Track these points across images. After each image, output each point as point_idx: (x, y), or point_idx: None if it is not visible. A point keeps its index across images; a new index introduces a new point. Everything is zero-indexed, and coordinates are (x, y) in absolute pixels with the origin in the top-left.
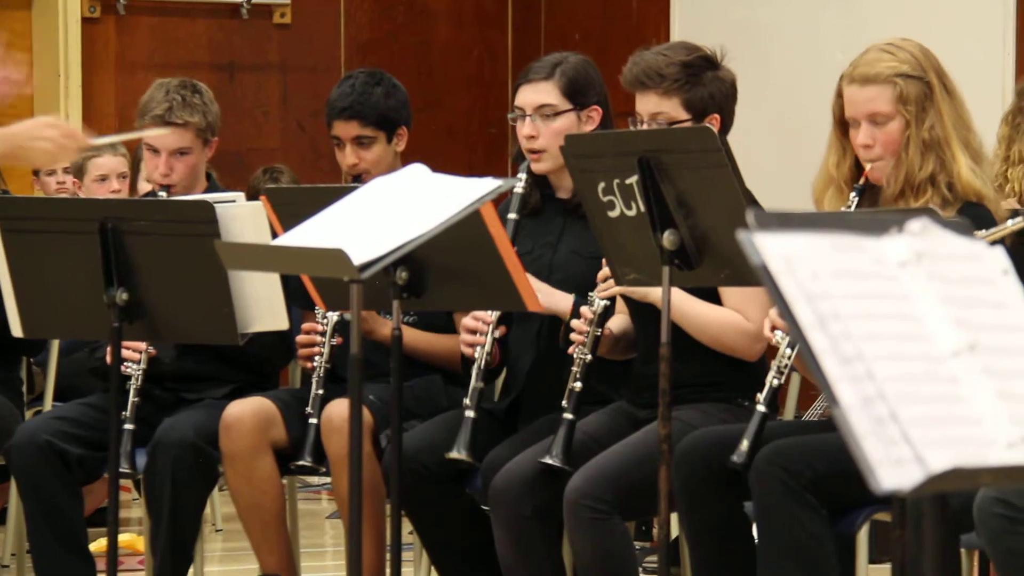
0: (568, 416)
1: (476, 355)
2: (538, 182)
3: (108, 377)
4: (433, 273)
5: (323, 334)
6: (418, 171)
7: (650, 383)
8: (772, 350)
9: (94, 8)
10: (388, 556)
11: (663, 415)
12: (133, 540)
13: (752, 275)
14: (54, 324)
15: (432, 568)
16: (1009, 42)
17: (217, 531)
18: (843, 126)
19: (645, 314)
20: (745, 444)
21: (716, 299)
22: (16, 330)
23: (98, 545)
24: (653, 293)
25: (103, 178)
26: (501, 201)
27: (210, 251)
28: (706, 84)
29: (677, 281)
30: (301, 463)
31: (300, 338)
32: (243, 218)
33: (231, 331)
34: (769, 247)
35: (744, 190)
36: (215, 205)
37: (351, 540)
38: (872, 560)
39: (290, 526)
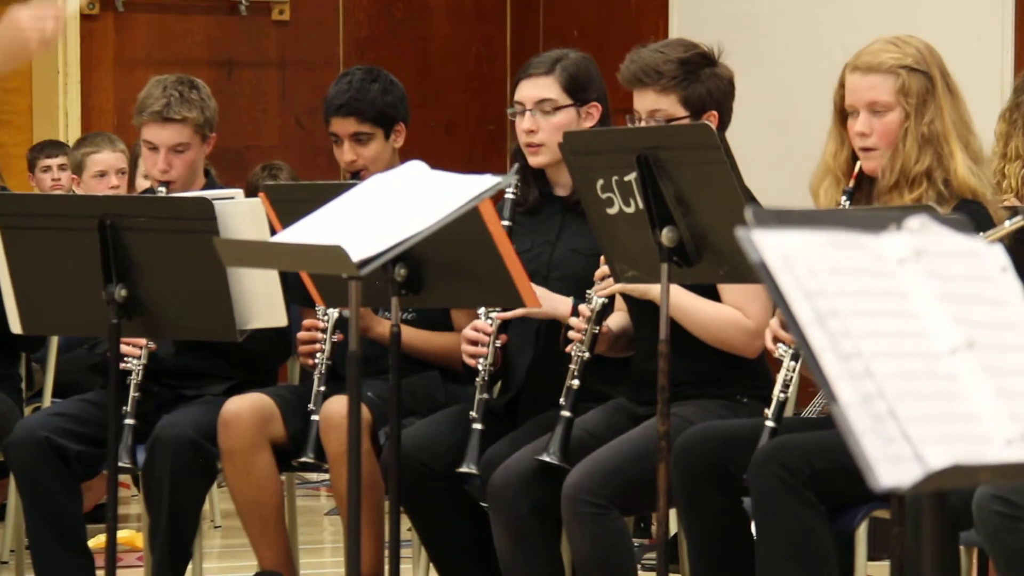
0: (566, 414)
1: (479, 366)
2: (536, 180)
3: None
4: (432, 270)
5: (324, 331)
6: (416, 168)
7: (649, 380)
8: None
9: (93, 5)
10: (387, 553)
11: (662, 412)
12: (132, 536)
13: (751, 272)
14: (53, 321)
15: (431, 565)
16: (1008, 39)
17: (216, 527)
18: (843, 116)
19: (644, 311)
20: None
21: (715, 296)
22: (15, 327)
23: (97, 541)
24: (652, 290)
25: (102, 174)
26: (499, 198)
27: (209, 248)
28: (704, 81)
29: (676, 278)
30: (303, 459)
31: (301, 335)
32: (242, 215)
33: (230, 328)
34: (768, 244)
35: (743, 187)
36: (214, 202)
37: (350, 537)
38: (871, 557)
39: (289, 522)
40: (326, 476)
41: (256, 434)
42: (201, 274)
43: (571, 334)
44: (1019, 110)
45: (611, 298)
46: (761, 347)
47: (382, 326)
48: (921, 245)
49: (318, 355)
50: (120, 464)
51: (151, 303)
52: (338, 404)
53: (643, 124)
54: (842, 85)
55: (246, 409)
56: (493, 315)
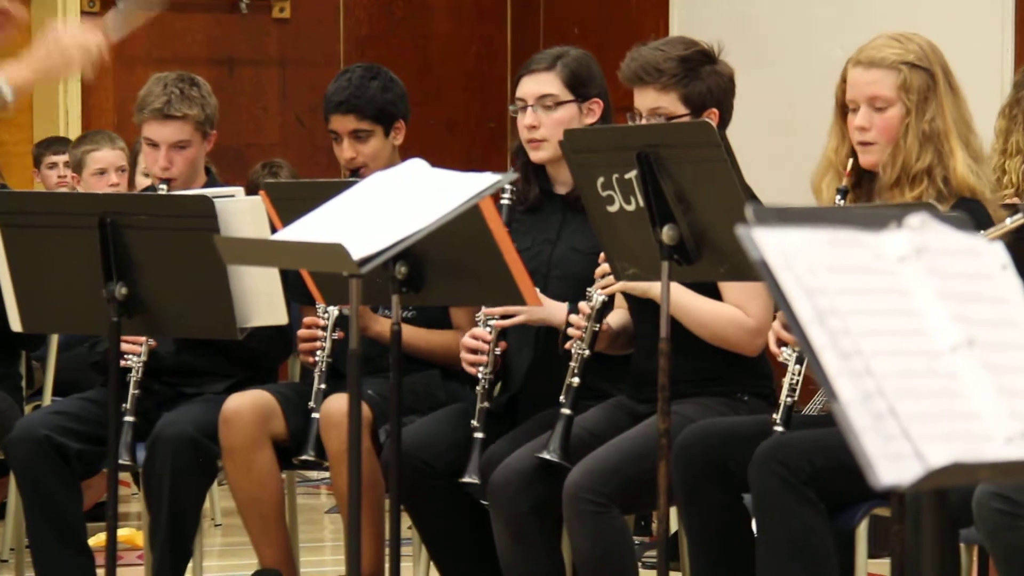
0: (566, 411)
1: (479, 374)
2: (537, 178)
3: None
4: (432, 268)
5: (324, 328)
6: (417, 166)
7: (649, 378)
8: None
9: (93, 2)
10: (387, 551)
11: (662, 410)
12: (132, 535)
13: (751, 270)
14: (53, 319)
15: (431, 563)
16: (1008, 36)
17: (216, 525)
18: (844, 111)
19: (644, 309)
20: None
21: (716, 294)
22: (15, 325)
23: (97, 540)
24: (653, 289)
25: (101, 172)
26: (499, 197)
27: (209, 246)
28: (704, 79)
29: (676, 276)
30: (304, 457)
31: (301, 332)
32: (242, 213)
33: (230, 325)
34: (768, 242)
35: (743, 185)
36: (214, 200)
37: (350, 535)
38: (871, 555)
39: (289, 521)
40: (326, 474)
41: (257, 432)
42: (202, 272)
43: (571, 331)
44: (1019, 105)
45: (611, 296)
46: (762, 345)
47: (380, 324)
48: (921, 243)
49: (318, 353)
50: (120, 462)
51: (151, 301)
52: (338, 402)
53: (644, 122)
54: (844, 80)
55: (247, 407)
56: (491, 323)
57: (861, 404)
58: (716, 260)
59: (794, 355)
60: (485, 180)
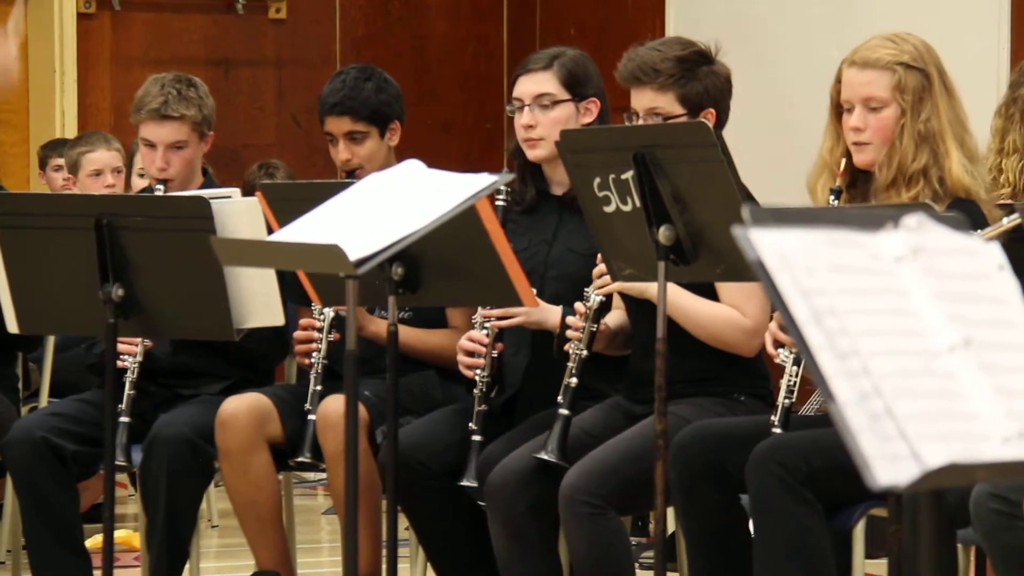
0: (564, 411)
1: (476, 377)
2: (533, 178)
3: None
4: (429, 269)
5: (321, 330)
6: (413, 166)
7: (646, 378)
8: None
9: (89, 3)
10: (384, 552)
11: (659, 410)
12: (129, 536)
13: (748, 270)
14: (50, 320)
15: (428, 564)
16: (1004, 36)
17: (213, 527)
18: (839, 111)
19: (642, 310)
20: None
21: (713, 295)
22: (12, 326)
23: (94, 541)
24: (650, 289)
25: (97, 173)
26: (496, 197)
27: (206, 247)
28: (701, 79)
29: (673, 277)
30: (300, 459)
31: (298, 334)
32: (239, 214)
33: (227, 327)
34: (764, 242)
35: (740, 185)
36: (210, 201)
37: (347, 536)
38: (868, 555)
39: (286, 522)
40: (323, 475)
41: (253, 433)
42: (198, 273)
43: (569, 332)
44: (1015, 105)
45: (609, 296)
46: (759, 346)
47: (375, 324)
48: (918, 243)
49: (314, 355)
50: (116, 463)
51: (148, 302)
52: (335, 403)
53: (640, 122)
54: (838, 80)
55: (243, 409)
56: (488, 325)
57: (858, 404)
58: (713, 260)
59: (791, 356)
60: (481, 181)
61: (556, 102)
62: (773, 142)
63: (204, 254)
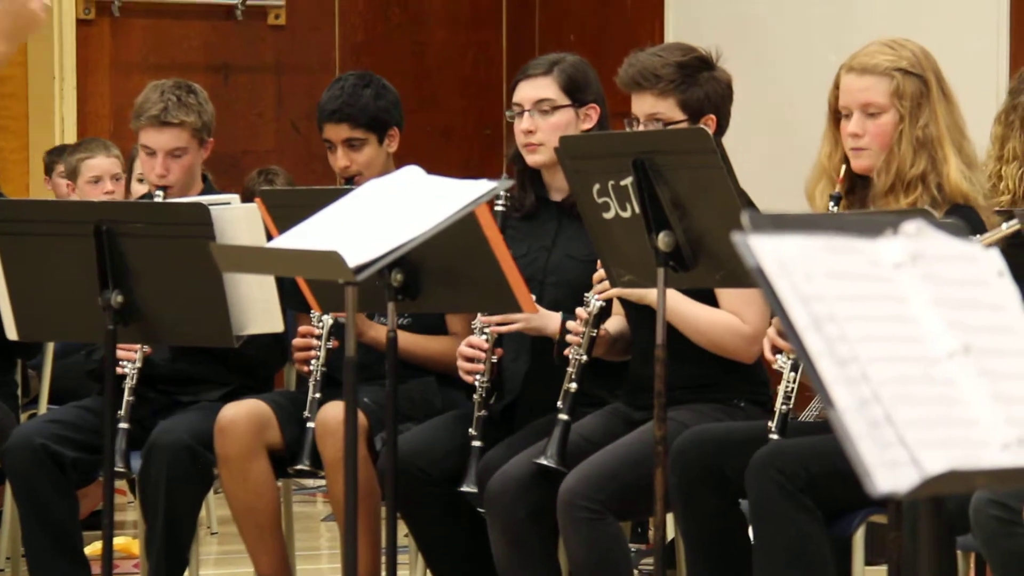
0: (563, 417)
1: (476, 383)
2: (532, 184)
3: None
4: (428, 275)
5: (319, 337)
6: (413, 173)
7: (646, 384)
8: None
9: (89, 10)
10: (384, 559)
11: (658, 416)
12: (128, 543)
13: (747, 277)
14: (49, 327)
15: (428, 571)
16: (1003, 42)
17: (212, 534)
18: (837, 117)
19: (641, 316)
20: None
21: (713, 301)
22: (11, 333)
23: (93, 548)
24: (650, 295)
25: (96, 179)
26: (495, 203)
27: (205, 253)
28: (702, 85)
29: (672, 283)
30: (299, 467)
31: (296, 341)
32: (238, 220)
33: (226, 333)
34: (764, 249)
35: (739, 191)
36: (210, 207)
37: (346, 543)
38: (868, 562)
39: (285, 529)
40: (323, 482)
41: (252, 440)
42: (197, 280)
43: (569, 338)
44: (1015, 112)
45: (609, 301)
46: (758, 352)
47: (375, 330)
48: (917, 249)
49: (312, 362)
50: (115, 469)
51: (147, 309)
52: (334, 410)
53: (641, 128)
54: (836, 86)
55: (242, 415)
56: (487, 331)
57: (857, 411)
58: (712, 267)
59: (789, 363)
60: (481, 187)
61: (556, 108)
62: (772, 146)
63: (203, 261)
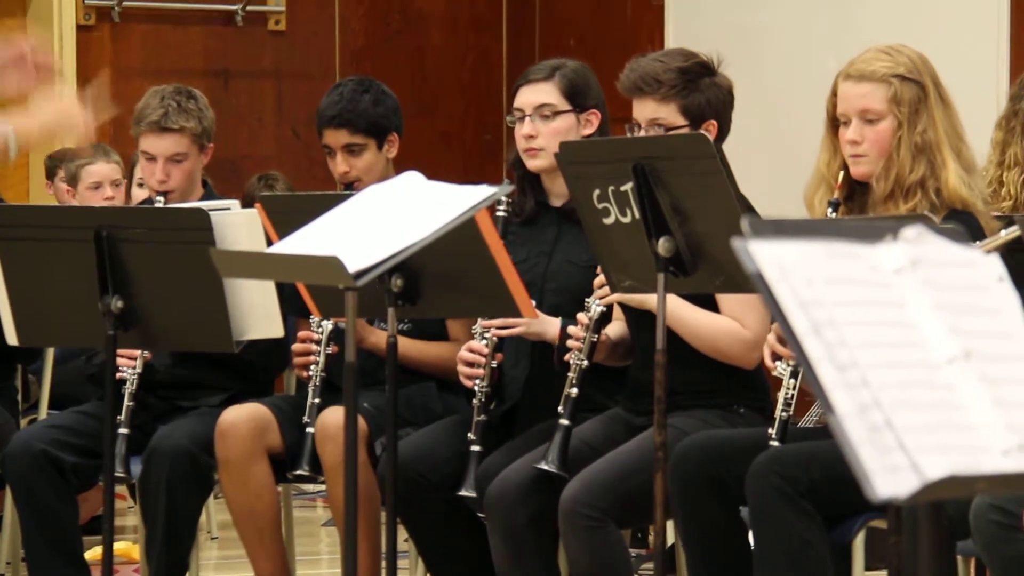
0: (564, 422)
1: (476, 387)
2: (532, 190)
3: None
4: (428, 280)
5: (319, 343)
6: (413, 178)
7: (646, 390)
8: (773, 371)
9: (89, 15)
10: (384, 564)
11: (659, 422)
12: (128, 548)
13: (747, 282)
14: (49, 332)
15: None
16: (1003, 48)
17: (213, 539)
18: (836, 125)
19: (642, 321)
20: None
21: (714, 306)
22: (11, 338)
23: (93, 553)
24: (650, 300)
25: (97, 185)
26: (495, 209)
27: (205, 259)
28: (703, 90)
29: (672, 288)
30: (299, 472)
31: (296, 347)
32: (238, 226)
33: (226, 338)
34: (764, 254)
35: (739, 196)
36: (210, 213)
37: (346, 548)
38: (868, 567)
39: (285, 534)
40: (323, 487)
41: (253, 445)
42: (198, 285)
43: (570, 343)
44: (1016, 117)
45: (610, 306)
46: (758, 358)
47: (375, 336)
48: (917, 255)
49: (312, 367)
50: (116, 474)
51: (148, 314)
52: (334, 415)
53: (642, 133)
54: (834, 93)
55: (243, 420)
56: (488, 335)
57: (857, 416)
58: (712, 272)
59: (789, 369)
60: (481, 192)
61: (557, 113)
62: (772, 153)
63: (204, 266)
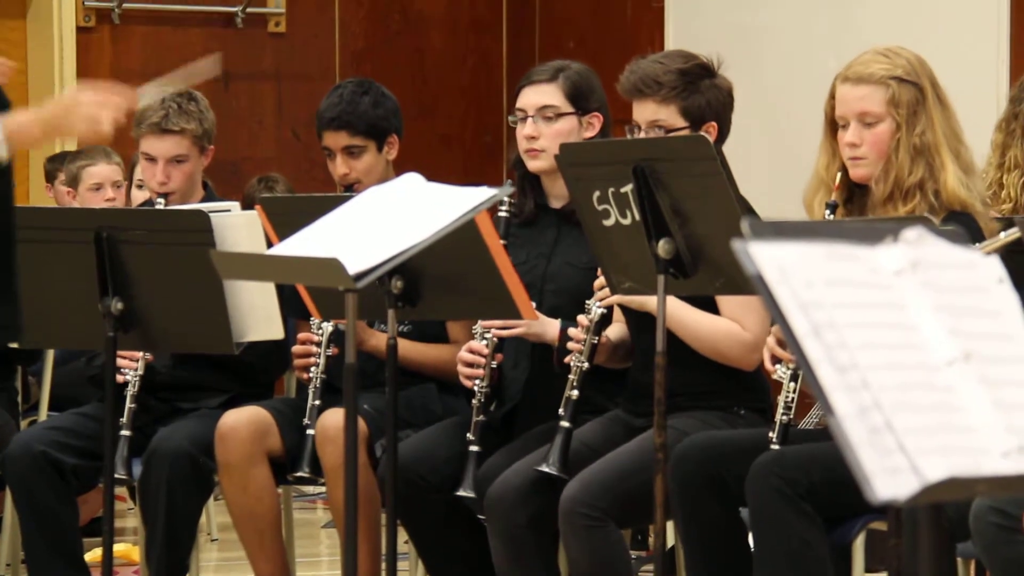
0: (565, 424)
1: (476, 388)
2: (532, 191)
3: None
4: (428, 282)
5: (319, 344)
6: (413, 180)
7: (646, 391)
8: (773, 374)
9: (89, 17)
10: (384, 565)
11: (659, 423)
12: (128, 550)
13: (747, 284)
14: (50, 334)
15: None
16: (1003, 49)
17: (213, 540)
18: (834, 127)
19: (642, 323)
20: None
21: (714, 308)
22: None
23: (93, 555)
24: (650, 302)
25: (97, 187)
26: (492, 215)
27: (206, 260)
28: (703, 92)
29: (672, 290)
30: (299, 474)
31: (296, 348)
32: (238, 227)
33: (227, 340)
34: (764, 256)
35: (739, 198)
36: (210, 214)
37: (346, 549)
38: (868, 569)
39: (285, 535)
40: (323, 489)
41: (253, 447)
42: (198, 287)
43: (570, 345)
44: (1016, 120)
45: (610, 308)
46: (758, 360)
47: (375, 339)
48: (917, 257)
49: (312, 369)
50: (116, 476)
51: (148, 316)
52: (334, 417)
53: (643, 134)
54: (832, 96)
55: (243, 422)
56: (488, 335)
57: (857, 418)
58: (712, 274)
59: (789, 372)
60: (481, 194)
61: (559, 115)
62: (772, 154)
63: (204, 268)
